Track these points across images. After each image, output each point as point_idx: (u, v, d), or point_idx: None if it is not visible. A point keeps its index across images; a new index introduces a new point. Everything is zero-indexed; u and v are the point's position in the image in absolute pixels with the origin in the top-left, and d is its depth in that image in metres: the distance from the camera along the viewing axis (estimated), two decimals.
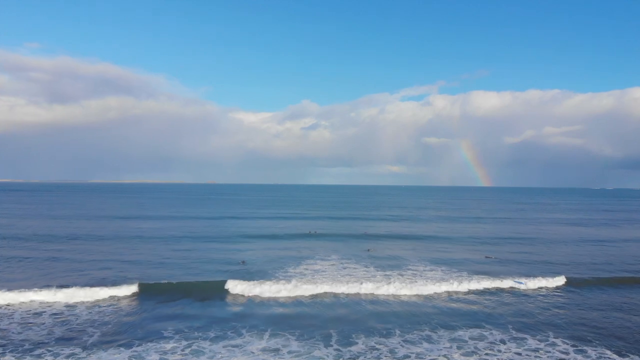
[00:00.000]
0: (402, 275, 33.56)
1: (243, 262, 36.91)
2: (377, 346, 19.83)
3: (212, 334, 20.89)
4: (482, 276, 33.00)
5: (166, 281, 29.81)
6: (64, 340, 19.79)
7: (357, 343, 20.14)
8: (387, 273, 34.20)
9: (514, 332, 21.88)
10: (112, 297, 26.83)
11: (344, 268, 36.45)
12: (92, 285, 27.95)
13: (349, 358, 18.48)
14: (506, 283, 31.33)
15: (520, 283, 31.06)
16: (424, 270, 35.60)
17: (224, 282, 29.13)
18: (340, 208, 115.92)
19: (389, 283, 30.62)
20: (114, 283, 28.82)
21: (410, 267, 37.23)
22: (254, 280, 30.39)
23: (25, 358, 17.94)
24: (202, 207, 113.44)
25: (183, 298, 26.97)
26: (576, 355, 19.15)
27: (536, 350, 19.65)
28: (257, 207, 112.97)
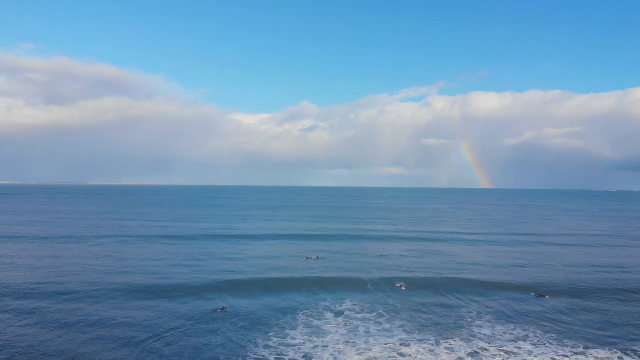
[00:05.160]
0: (473, 350, 20.26)
1: (223, 308, 28.33)
2: None
3: None
4: None
5: None
6: None
7: None
8: (452, 350, 20.81)
9: None
10: None
11: (369, 332, 23.22)
12: None
13: None
14: None
15: None
16: (496, 338, 22.22)
17: None
18: (343, 218, 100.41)
19: None
20: None
21: (473, 328, 24.17)
22: None
23: None
24: (186, 219, 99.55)
25: None
26: None
27: None
28: (248, 220, 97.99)
